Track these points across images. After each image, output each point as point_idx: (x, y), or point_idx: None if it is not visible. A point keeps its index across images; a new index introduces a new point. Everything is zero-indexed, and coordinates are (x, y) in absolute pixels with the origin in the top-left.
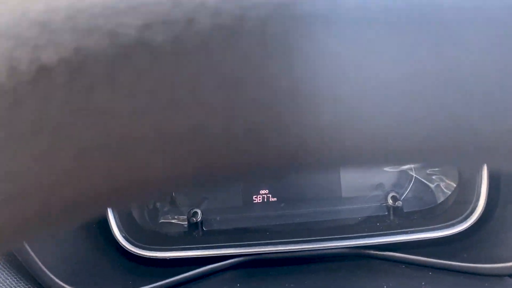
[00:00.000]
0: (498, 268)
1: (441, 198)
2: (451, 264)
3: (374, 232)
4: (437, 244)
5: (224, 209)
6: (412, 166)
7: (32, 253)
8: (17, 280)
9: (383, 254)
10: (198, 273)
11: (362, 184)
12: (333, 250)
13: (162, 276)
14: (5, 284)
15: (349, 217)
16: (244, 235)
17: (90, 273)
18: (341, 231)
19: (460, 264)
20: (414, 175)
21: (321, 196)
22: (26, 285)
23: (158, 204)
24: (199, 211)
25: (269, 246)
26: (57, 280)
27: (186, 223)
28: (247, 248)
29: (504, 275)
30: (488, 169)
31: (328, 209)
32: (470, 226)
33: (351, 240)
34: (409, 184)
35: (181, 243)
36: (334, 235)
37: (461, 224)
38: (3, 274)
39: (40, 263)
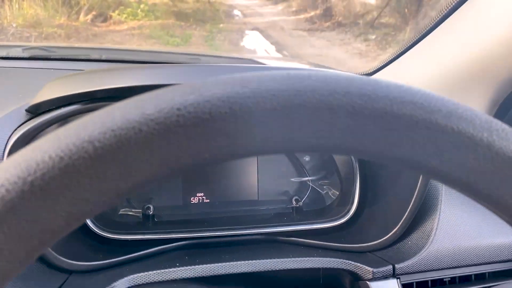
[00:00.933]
0: (362, 247)
1: (328, 202)
2: (334, 245)
3: (281, 223)
4: (324, 233)
5: (169, 207)
6: (310, 178)
7: None
8: None
9: (288, 239)
10: (152, 252)
11: (274, 191)
12: (252, 236)
13: (123, 253)
14: None
15: (264, 213)
16: (187, 224)
17: (73, 249)
18: (258, 222)
19: (339, 245)
20: (311, 185)
21: (244, 199)
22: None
23: None
24: (151, 206)
25: (206, 232)
26: (54, 253)
27: (141, 215)
28: (189, 233)
29: (366, 252)
30: (359, 183)
31: (249, 208)
32: (346, 220)
33: (265, 228)
34: (307, 191)
35: (138, 229)
36: (253, 224)
37: (341, 219)
38: None
39: None
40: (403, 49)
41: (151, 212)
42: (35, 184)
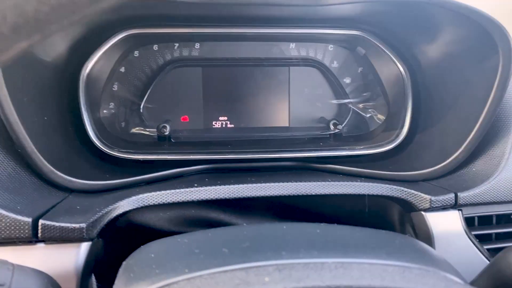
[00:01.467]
0: (413, 175)
1: (373, 127)
2: (379, 173)
3: (317, 148)
4: (368, 160)
5: (188, 130)
6: (352, 100)
7: (29, 141)
8: (14, 166)
9: (324, 167)
10: (166, 174)
11: (308, 116)
12: (283, 162)
13: (135, 174)
14: (1, 169)
15: (296, 137)
16: (208, 146)
17: (73, 166)
18: (289, 146)
19: (387, 173)
20: (352, 107)
21: (273, 125)
22: (21, 168)
23: (127, 117)
24: (167, 126)
25: (229, 155)
26: (50, 167)
27: (156, 135)
28: (211, 155)
29: (418, 180)
30: (411, 105)
31: (278, 134)
32: (395, 147)
33: (297, 153)
34: (348, 115)
35: (151, 149)
36: (283, 149)
37: (389, 144)
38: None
39: (37, 152)
40: None
41: (167, 133)
42: None
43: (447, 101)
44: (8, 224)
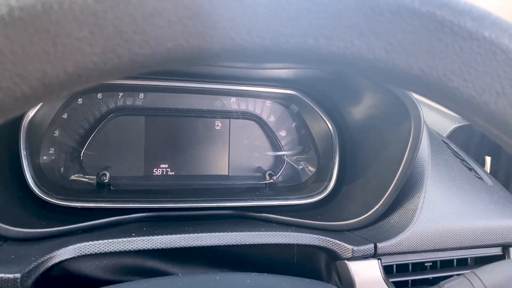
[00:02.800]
0: (339, 225)
1: (304, 178)
2: (309, 223)
3: (253, 197)
4: (299, 210)
5: (128, 177)
6: (286, 153)
7: None
8: None
9: (259, 215)
10: (105, 222)
11: (246, 165)
12: (220, 211)
13: (73, 222)
14: None
15: (234, 187)
16: (148, 194)
17: (9, 212)
18: (227, 195)
19: (315, 223)
20: (287, 159)
21: (213, 173)
22: None
23: (67, 163)
24: (107, 173)
25: (168, 203)
26: None
27: (95, 182)
28: (150, 204)
29: (344, 230)
30: (338, 160)
31: (217, 182)
32: (324, 197)
33: (234, 202)
34: (282, 166)
35: (90, 197)
36: (221, 197)
37: (318, 195)
38: None
39: None
40: None
41: (106, 180)
42: None
43: (369, 158)
44: None
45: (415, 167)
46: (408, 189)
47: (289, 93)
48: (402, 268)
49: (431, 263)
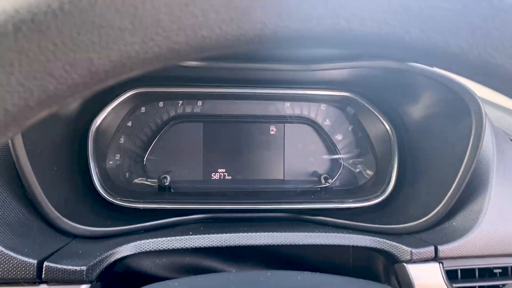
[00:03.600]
0: (397, 228)
1: (362, 181)
2: (366, 226)
3: (308, 200)
4: (356, 213)
5: (188, 181)
6: (342, 156)
7: (40, 189)
8: (24, 211)
9: (315, 218)
10: (165, 222)
11: (301, 170)
12: (276, 214)
13: (135, 222)
14: (12, 214)
15: (290, 190)
16: (206, 196)
17: (78, 212)
18: (282, 198)
19: (373, 226)
20: (343, 163)
21: (268, 178)
22: (30, 214)
23: (131, 168)
24: (168, 176)
25: (225, 205)
26: (57, 213)
27: (157, 185)
28: (208, 205)
29: (403, 234)
30: (397, 162)
31: (273, 186)
32: (382, 200)
33: (290, 204)
34: (338, 170)
35: (152, 199)
36: (277, 200)
37: (376, 199)
38: (8, 203)
39: (45, 199)
40: None
41: (167, 183)
42: None
43: (429, 159)
44: (15, 265)
45: (479, 166)
46: (472, 189)
47: (344, 95)
48: (468, 274)
49: (500, 270)
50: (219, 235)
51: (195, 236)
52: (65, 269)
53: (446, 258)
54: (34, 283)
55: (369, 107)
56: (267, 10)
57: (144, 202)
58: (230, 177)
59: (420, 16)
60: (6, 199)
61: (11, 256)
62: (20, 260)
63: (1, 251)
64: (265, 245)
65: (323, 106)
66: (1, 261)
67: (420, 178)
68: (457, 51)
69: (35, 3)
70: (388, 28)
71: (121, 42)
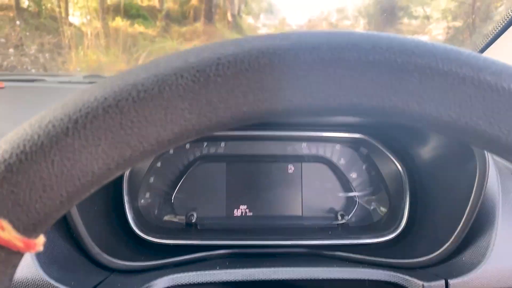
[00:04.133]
0: (411, 262)
1: (376, 218)
2: (381, 260)
3: (326, 236)
4: (371, 248)
5: (212, 217)
6: (357, 194)
7: (83, 227)
8: (69, 248)
9: (333, 254)
10: (193, 257)
11: (318, 207)
12: (296, 249)
13: (165, 257)
14: (59, 250)
15: (308, 227)
16: (230, 232)
17: (115, 248)
18: (302, 234)
19: (387, 260)
20: (358, 200)
21: (287, 214)
22: (74, 250)
23: (160, 206)
24: (195, 214)
25: (248, 241)
26: (98, 249)
27: (184, 222)
28: (232, 241)
29: (416, 268)
30: (409, 199)
31: (292, 222)
32: (395, 236)
33: (309, 240)
34: (354, 207)
35: (180, 235)
36: (296, 236)
37: (390, 234)
38: (55, 240)
39: (88, 236)
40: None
41: (194, 220)
42: (79, 122)
43: (439, 197)
44: None
45: (485, 203)
46: (479, 226)
47: (357, 137)
48: None
49: None
50: (245, 270)
51: (223, 271)
52: None
53: None
54: None
55: (381, 148)
56: (293, 92)
57: (174, 238)
58: (251, 213)
59: (417, 92)
60: (54, 236)
61: None
62: None
63: (52, 284)
64: (287, 279)
65: (337, 147)
66: None
67: (431, 215)
68: (448, 119)
69: (119, 92)
70: (391, 103)
71: (181, 119)
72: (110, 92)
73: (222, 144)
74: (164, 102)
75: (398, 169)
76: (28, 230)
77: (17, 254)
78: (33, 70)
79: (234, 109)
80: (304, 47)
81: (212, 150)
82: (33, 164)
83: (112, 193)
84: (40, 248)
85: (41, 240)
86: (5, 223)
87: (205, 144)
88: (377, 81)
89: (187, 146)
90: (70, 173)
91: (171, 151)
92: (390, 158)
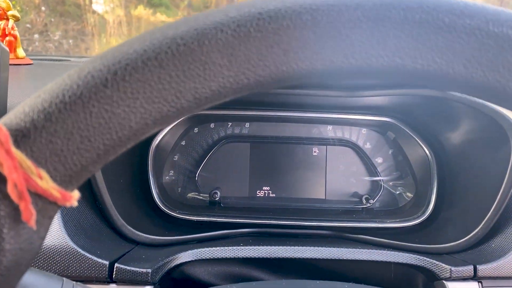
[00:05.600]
0: (437, 248)
1: (402, 203)
2: (406, 245)
3: (349, 219)
4: (396, 233)
5: (235, 197)
6: (383, 178)
7: (109, 198)
8: (95, 218)
9: (356, 236)
10: (216, 234)
11: (342, 190)
12: (319, 231)
13: (190, 233)
14: (86, 220)
15: (331, 209)
16: (253, 211)
17: (139, 222)
18: (325, 216)
19: (413, 245)
20: (383, 184)
21: (310, 197)
22: (100, 221)
23: (184, 183)
24: (218, 192)
25: (271, 220)
26: (123, 222)
27: (208, 200)
28: (255, 220)
29: (442, 253)
30: (436, 185)
31: (315, 205)
32: (421, 222)
33: (332, 222)
34: (379, 191)
35: (204, 212)
36: (319, 217)
37: (416, 219)
38: (82, 210)
39: (114, 208)
40: None
41: (217, 198)
42: (118, 74)
43: (468, 183)
44: (89, 265)
45: None
46: (509, 213)
47: (385, 121)
48: None
49: None
50: (268, 247)
51: (246, 247)
52: (133, 270)
53: (485, 278)
54: (105, 282)
55: (409, 132)
56: (335, 51)
57: (197, 215)
58: (274, 195)
59: (464, 55)
60: (81, 207)
61: (88, 257)
62: (94, 261)
63: (79, 252)
64: (310, 259)
65: (364, 130)
66: (77, 260)
67: (459, 201)
68: (496, 85)
69: (159, 45)
70: (436, 65)
71: (219, 75)
72: (149, 45)
73: (247, 124)
74: (203, 57)
75: (426, 154)
76: (64, 181)
77: (54, 205)
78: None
79: (273, 68)
80: (348, 3)
81: (237, 131)
82: (71, 114)
83: (137, 169)
84: (75, 202)
85: (76, 194)
86: (43, 173)
87: (230, 124)
88: (422, 42)
89: (212, 125)
90: (108, 126)
91: (196, 130)
92: (419, 143)
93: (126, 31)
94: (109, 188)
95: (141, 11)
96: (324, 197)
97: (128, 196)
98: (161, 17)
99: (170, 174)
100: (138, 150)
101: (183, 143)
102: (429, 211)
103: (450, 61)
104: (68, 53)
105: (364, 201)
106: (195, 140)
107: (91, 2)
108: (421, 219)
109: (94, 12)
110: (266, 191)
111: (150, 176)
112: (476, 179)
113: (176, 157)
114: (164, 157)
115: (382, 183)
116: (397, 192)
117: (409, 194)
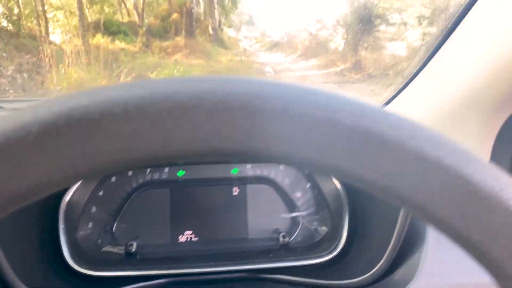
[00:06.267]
0: (347, 283)
1: (318, 238)
2: (321, 282)
3: (267, 259)
4: (311, 270)
5: (155, 245)
6: (301, 213)
7: (7, 263)
8: None
9: (273, 277)
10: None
11: (264, 228)
12: (236, 274)
13: None
14: None
15: (250, 250)
16: (171, 260)
17: (47, 283)
18: (243, 258)
19: (326, 282)
20: (301, 220)
21: (234, 237)
22: None
23: (101, 236)
24: (134, 243)
25: (188, 269)
26: (21, 284)
27: (123, 252)
28: (173, 270)
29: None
30: (348, 217)
31: (238, 245)
32: (334, 256)
33: (250, 264)
34: (297, 227)
35: (119, 266)
36: (238, 260)
37: (329, 254)
38: None
39: (10, 268)
40: (405, 82)
41: (133, 249)
42: None
43: (375, 216)
44: None
45: (416, 222)
46: (410, 244)
47: None
48: None
49: None
50: None
51: None
52: None
53: None
54: None
55: None
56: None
57: (110, 270)
58: (197, 238)
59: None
60: None
61: None
62: None
63: None
64: None
65: (281, 167)
66: None
67: (367, 234)
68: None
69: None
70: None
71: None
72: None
73: (166, 169)
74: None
75: (337, 188)
76: None
77: None
78: (11, 91)
79: (90, 160)
80: (160, 96)
81: (156, 176)
82: None
83: (47, 226)
84: None
85: None
86: None
87: (148, 170)
88: (234, 125)
89: (130, 173)
90: None
91: (113, 179)
92: (330, 176)
93: (85, 60)
94: (7, 252)
95: (100, 39)
96: (247, 237)
97: (34, 257)
98: (120, 44)
99: (88, 227)
100: (47, 207)
101: (100, 193)
102: (341, 245)
103: (257, 143)
104: (23, 87)
105: (281, 239)
106: (113, 189)
107: (47, 33)
108: (333, 254)
109: (50, 43)
110: (188, 236)
111: (61, 233)
112: (380, 211)
113: (93, 209)
114: (78, 210)
115: (300, 219)
116: (313, 227)
117: (324, 228)
